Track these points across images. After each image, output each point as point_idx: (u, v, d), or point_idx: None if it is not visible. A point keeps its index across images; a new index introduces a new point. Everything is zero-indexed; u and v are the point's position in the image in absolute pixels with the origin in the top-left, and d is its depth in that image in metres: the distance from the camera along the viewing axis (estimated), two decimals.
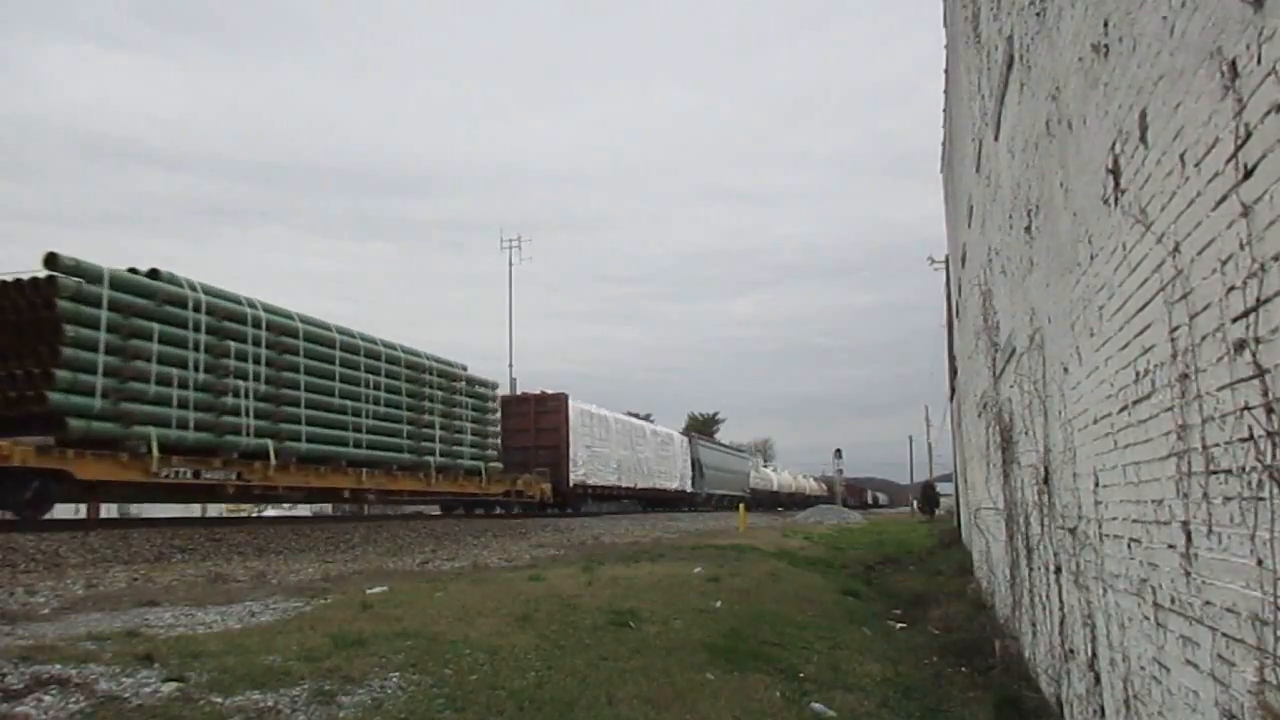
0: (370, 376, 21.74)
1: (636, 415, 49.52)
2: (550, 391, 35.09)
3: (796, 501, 79.52)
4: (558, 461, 33.35)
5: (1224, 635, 2.56)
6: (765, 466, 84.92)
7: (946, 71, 15.59)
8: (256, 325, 18.00)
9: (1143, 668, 3.59)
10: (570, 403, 34.51)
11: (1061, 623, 5.71)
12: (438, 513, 32.38)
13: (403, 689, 5.20)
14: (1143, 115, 3.04)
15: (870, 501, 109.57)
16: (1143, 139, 3.06)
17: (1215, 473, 2.55)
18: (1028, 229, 6.10)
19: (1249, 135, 2.15)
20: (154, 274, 16.08)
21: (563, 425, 33.98)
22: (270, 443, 18.02)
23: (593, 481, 36.31)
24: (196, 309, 16.51)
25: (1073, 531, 5.09)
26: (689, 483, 49.50)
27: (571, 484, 33.85)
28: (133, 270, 15.81)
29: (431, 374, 24.78)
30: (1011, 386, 7.85)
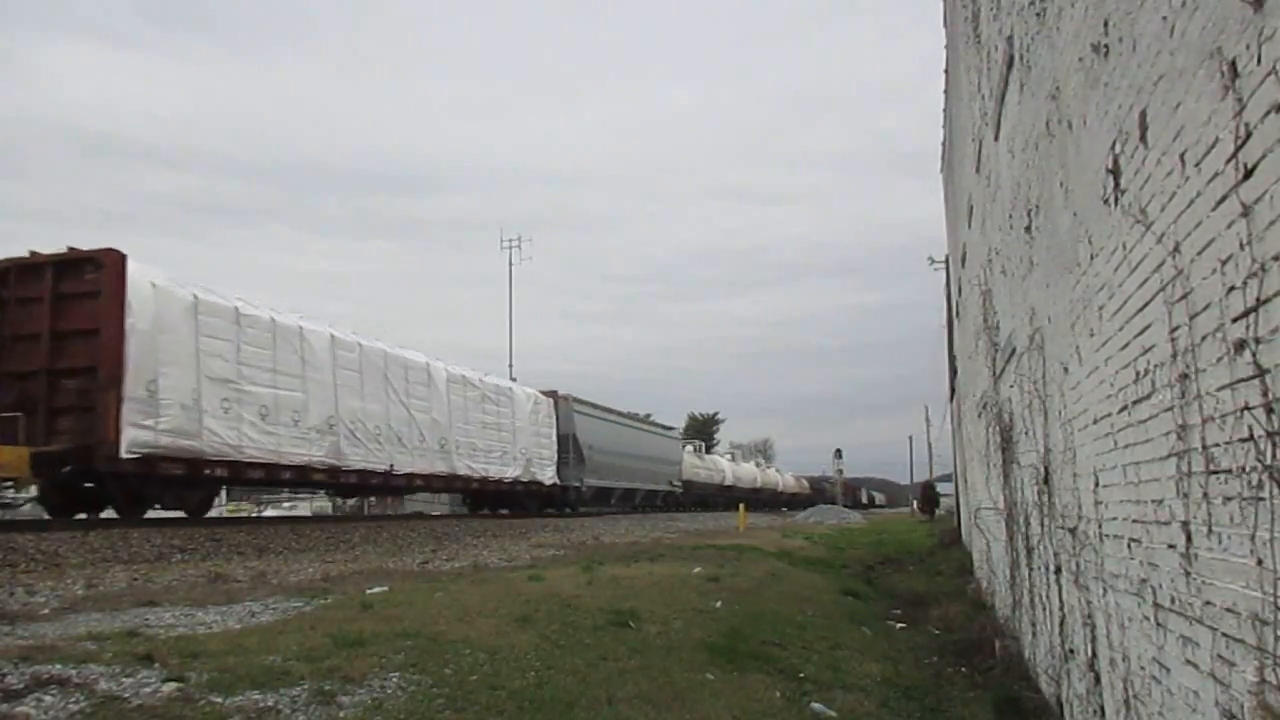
0: None
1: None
2: (87, 249, 15.76)
3: (764, 500, 66.68)
4: (95, 399, 14.89)
5: (1224, 635, 2.56)
6: (714, 452, 70.45)
7: (946, 71, 15.59)
8: None
9: (1143, 668, 3.59)
10: (132, 267, 15.50)
11: (1061, 623, 5.71)
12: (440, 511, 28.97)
13: (403, 689, 5.20)
14: (1143, 115, 3.04)
15: (865, 501, 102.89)
16: (1143, 139, 3.06)
17: (1215, 473, 2.55)
18: (1028, 229, 6.10)
19: (1249, 135, 2.15)
20: None
21: (110, 317, 15.02)
22: None
23: (244, 451, 17.37)
24: None
25: (1073, 531, 5.09)
26: (552, 470, 31.17)
27: (124, 450, 14.82)
28: None
29: None
30: (1011, 386, 7.85)
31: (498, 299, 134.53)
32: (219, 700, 4.65)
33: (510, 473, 28.21)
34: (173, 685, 4.81)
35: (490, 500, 29.55)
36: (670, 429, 51.20)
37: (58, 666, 5.03)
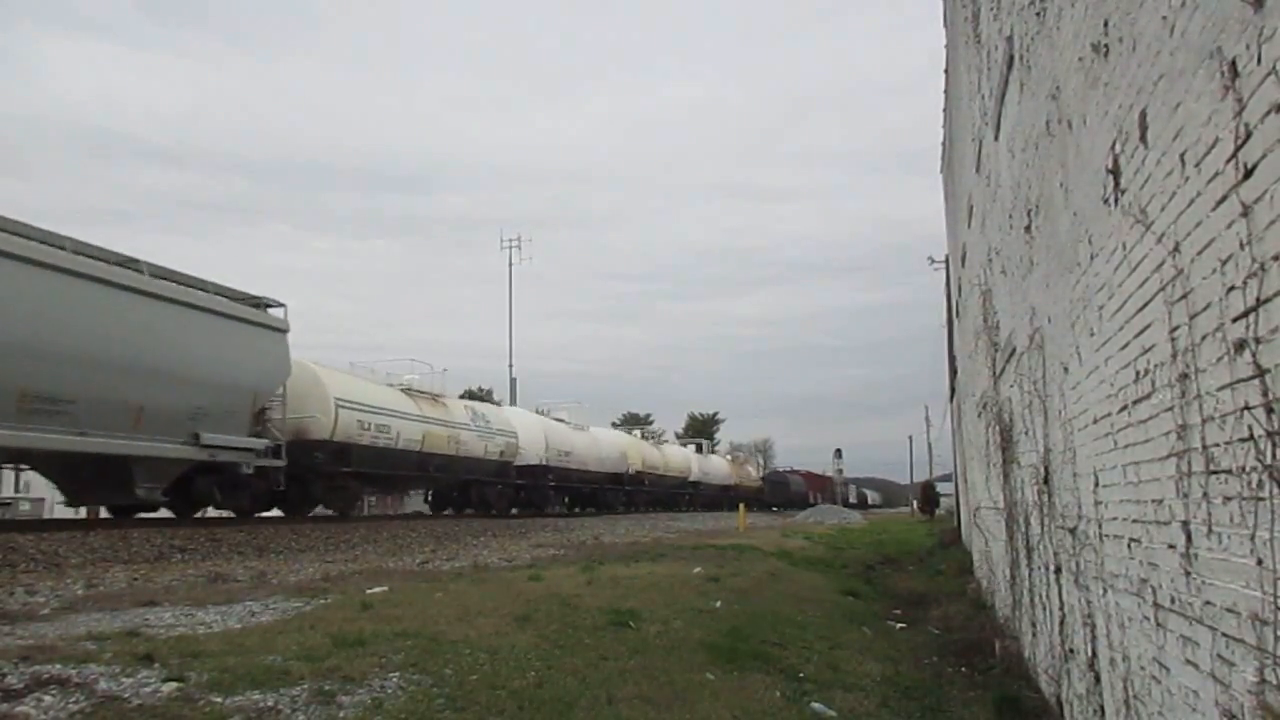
0: None
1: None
2: None
3: (661, 497, 42.86)
4: None
5: (1224, 635, 2.56)
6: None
7: (947, 71, 15.59)
8: None
9: (1143, 668, 3.59)
10: None
11: (1061, 623, 5.71)
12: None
13: (403, 689, 5.20)
14: (1143, 115, 3.04)
15: (855, 501, 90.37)
16: (1143, 139, 3.06)
17: (1215, 473, 2.55)
18: (1028, 229, 6.10)
19: (1249, 135, 2.15)
20: None
21: None
22: None
23: None
24: None
25: (1073, 531, 5.09)
26: None
27: None
28: None
29: None
30: (1011, 386, 7.85)
31: (500, 298, 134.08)
32: (219, 700, 4.65)
33: None
34: (173, 685, 4.82)
35: None
36: (264, 302, 19.69)
37: (58, 666, 5.03)
